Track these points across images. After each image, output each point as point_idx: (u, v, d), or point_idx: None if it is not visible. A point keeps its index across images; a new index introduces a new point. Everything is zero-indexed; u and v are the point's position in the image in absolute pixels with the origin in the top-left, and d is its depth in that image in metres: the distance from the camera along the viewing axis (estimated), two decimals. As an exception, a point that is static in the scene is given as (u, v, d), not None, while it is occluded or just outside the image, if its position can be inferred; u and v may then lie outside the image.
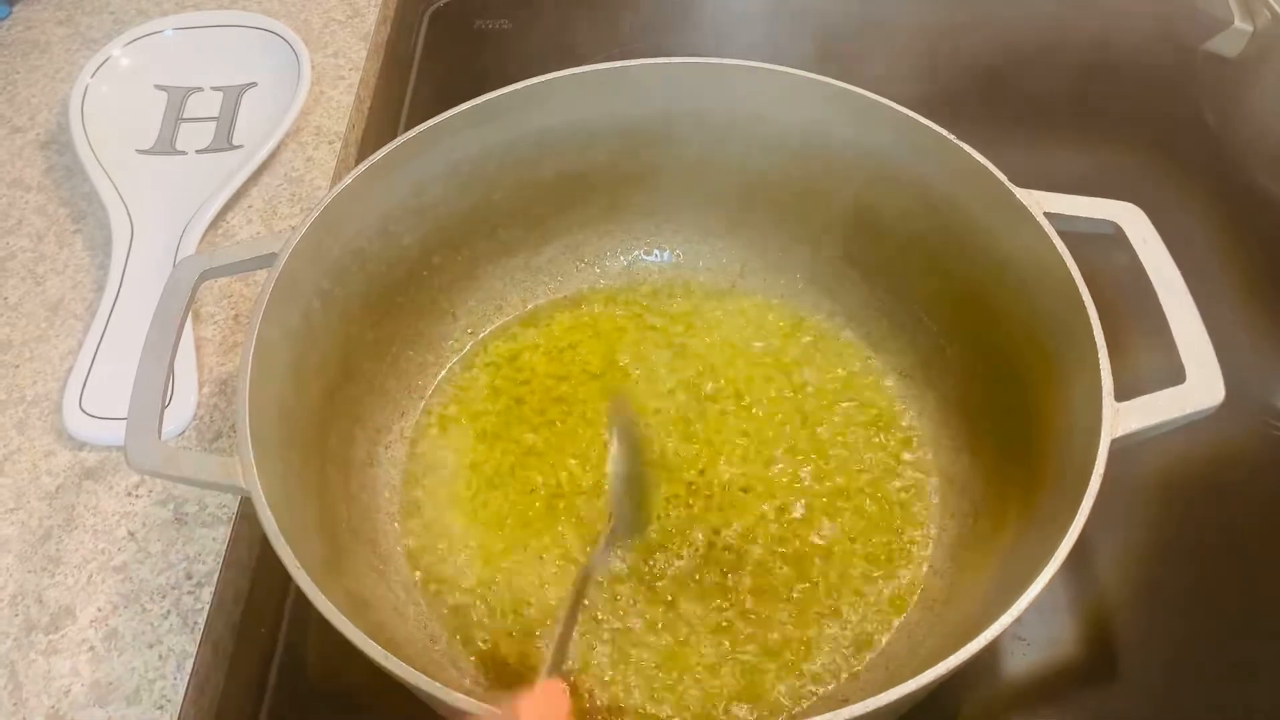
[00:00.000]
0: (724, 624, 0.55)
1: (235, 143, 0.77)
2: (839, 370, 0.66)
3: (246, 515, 0.58)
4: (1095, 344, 0.50)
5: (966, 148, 0.58)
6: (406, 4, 0.94)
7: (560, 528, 0.59)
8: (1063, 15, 0.90)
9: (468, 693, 0.40)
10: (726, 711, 0.53)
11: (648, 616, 0.56)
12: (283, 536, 0.44)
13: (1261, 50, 0.76)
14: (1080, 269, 0.52)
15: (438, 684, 0.40)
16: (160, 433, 0.49)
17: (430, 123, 0.59)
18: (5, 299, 0.68)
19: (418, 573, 0.58)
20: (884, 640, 0.55)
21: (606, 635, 0.55)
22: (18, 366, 0.65)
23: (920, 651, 0.52)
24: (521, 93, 0.61)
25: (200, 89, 0.80)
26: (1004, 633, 0.42)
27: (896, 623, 0.55)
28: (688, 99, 0.63)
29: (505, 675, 0.54)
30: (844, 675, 0.54)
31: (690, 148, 0.66)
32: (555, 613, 0.56)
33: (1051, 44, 0.88)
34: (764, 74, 0.62)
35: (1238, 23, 0.65)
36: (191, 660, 0.53)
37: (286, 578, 0.59)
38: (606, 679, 0.54)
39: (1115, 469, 0.46)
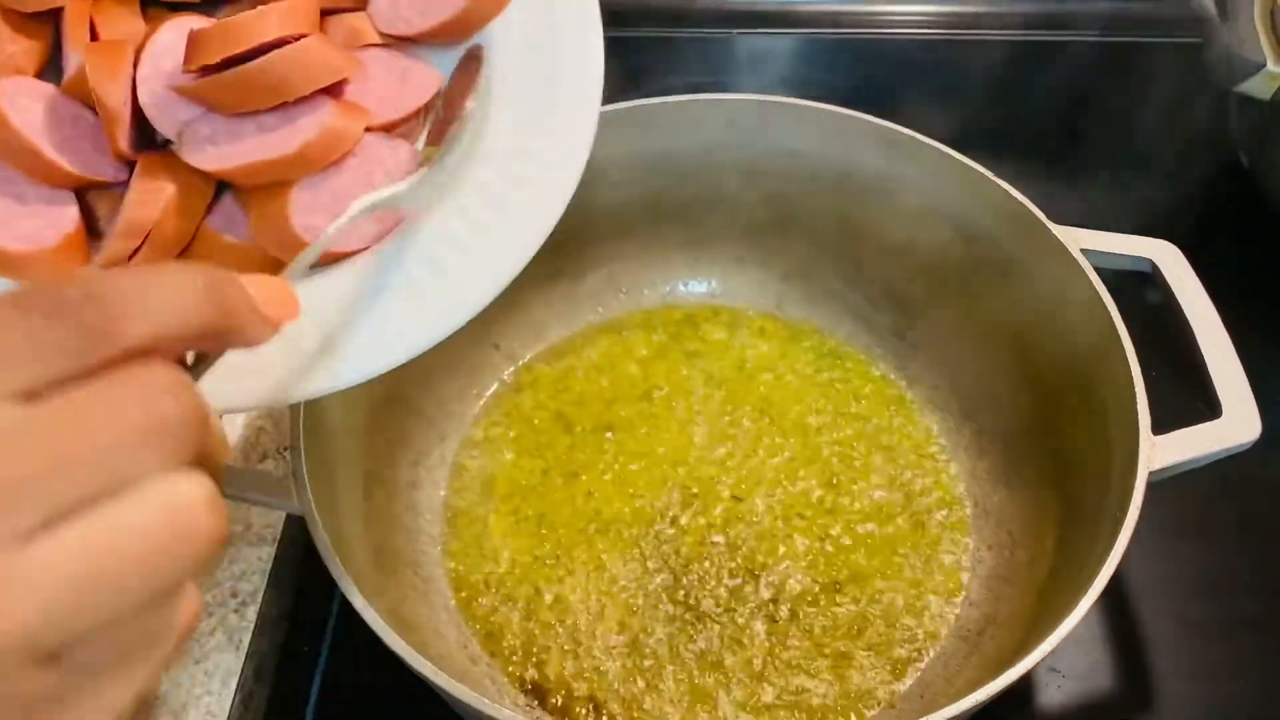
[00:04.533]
0: (759, 652, 0.56)
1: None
2: (874, 402, 0.66)
3: (291, 536, 0.60)
4: (1132, 378, 0.50)
5: (1004, 185, 0.59)
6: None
7: (602, 551, 0.60)
8: (1099, 57, 0.91)
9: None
10: (762, 738, 0.53)
11: (681, 647, 0.56)
12: (336, 557, 0.45)
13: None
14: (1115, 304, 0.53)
15: (485, 700, 0.41)
16: (214, 452, 0.50)
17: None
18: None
19: (459, 594, 0.59)
20: (919, 669, 0.55)
21: (640, 666, 0.56)
22: (70, 386, 0.66)
23: (956, 681, 0.53)
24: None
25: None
26: (1039, 664, 0.43)
27: (932, 652, 0.56)
28: (727, 134, 0.65)
29: (546, 696, 0.55)
30: (880, 704, 0.54)
31: (729, 181, 0.67)
32: (597, 633, 0.56)
33: (1087, 85, 0.90)
34: (803, 110, 0.63)
35: (1270, 66, 0.66)
36: (236, 677, 0.54)
37: (329, 597, 0.60)
38: (640, 711, 0.54)
39: (1150, 501, 0.46)
